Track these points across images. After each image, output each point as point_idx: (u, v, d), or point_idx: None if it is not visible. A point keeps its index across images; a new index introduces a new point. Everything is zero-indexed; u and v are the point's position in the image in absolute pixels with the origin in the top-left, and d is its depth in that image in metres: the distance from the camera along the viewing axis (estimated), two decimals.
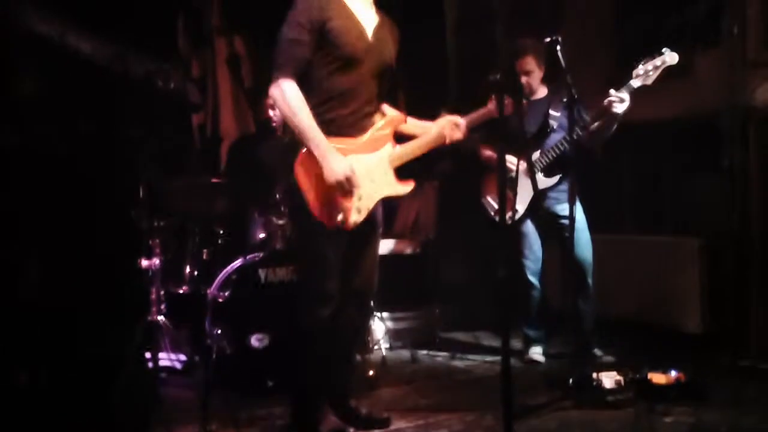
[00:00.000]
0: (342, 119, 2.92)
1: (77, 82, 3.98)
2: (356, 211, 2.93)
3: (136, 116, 4.07)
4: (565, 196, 4.15)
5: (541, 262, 4.35)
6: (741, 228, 4.34)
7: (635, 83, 3.81)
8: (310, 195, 2.86)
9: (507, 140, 3.84)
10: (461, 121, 3.14)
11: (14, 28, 3.69)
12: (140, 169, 3.75)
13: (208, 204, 4.24)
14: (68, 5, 4.00)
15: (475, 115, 3.22)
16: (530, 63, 4.24)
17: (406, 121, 3.14)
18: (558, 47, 3.66)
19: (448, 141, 3.12)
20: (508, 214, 4.16)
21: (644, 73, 3.77)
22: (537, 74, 4.28)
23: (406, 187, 3.08)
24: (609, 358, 4.20)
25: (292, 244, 3.98)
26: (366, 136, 2.98)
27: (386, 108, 3.14)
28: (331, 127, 2.88)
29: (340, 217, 2.88)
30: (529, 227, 4.32)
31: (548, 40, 3.74)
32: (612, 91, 3.83)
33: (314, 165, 2.84)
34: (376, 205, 3.02)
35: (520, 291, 4.35)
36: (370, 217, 3.02)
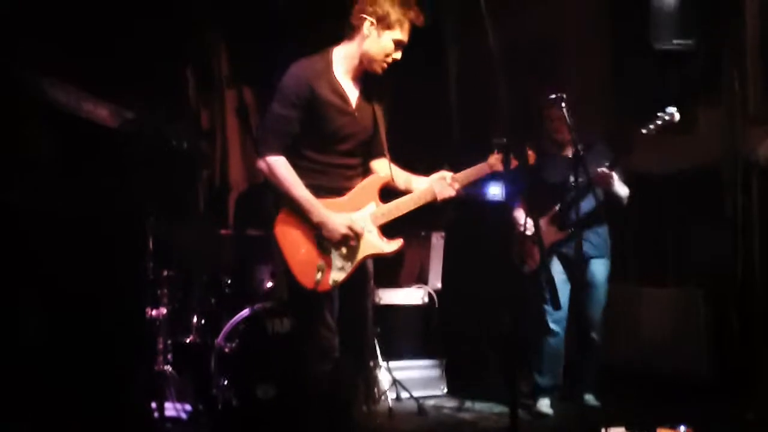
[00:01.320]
0: (326, 185, 3.00)
1: (92, 144, 4.07)
2: (337, 269, 2.97)
3: (148, 174, 4.15)
4: (594, 250, 4.26)
5: (566, 310, 4.30)
6: (745, 277, 4.36)
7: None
8: (289, 256, 2.93)
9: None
10: (450, 177, 3.12)
11: (32, 98, 3.80)
12: (148, 221, 3.80)
13: (216, 254, 4.28)
14: (84, 72, 4.12)
15: (470, 172, 3.17)
16: (557, 111, 4.29)
17: (392, 180, 3.14)
18: (563, 104, 3.73)
19: (439, 198, 3.10)
20: (531, 266, 4.24)
21: (648, 133, 3.84)
22: (564, 123, 4.32)
23: (392, 245, 3.06)
24: (595, 403, 4.25)
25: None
26: (349, 195, 3.06)
27: (376, 165, 3.17)
28: (314, 191, 2.95)
29: (319, 276, 2.92)
30: (556, 272, 4.30)
31: (553, 96, 3.82)
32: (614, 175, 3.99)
33: (292, 226, 2.93)
34: (360, 263, 3.02)
35: (531, 338, 4.36)
36: (359, 272, 3.04)
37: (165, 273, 4.01)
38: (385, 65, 3.02)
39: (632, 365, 4.71)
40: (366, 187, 3.09)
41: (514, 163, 3.18)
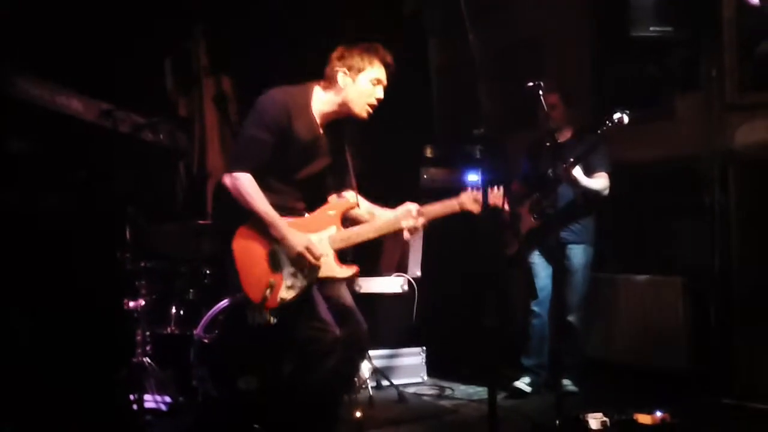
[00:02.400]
0: (286, 205, 3.05)
1: (67, 138, 4.05)
2: (286, 288, 2.99)
3: (125, 166, 4.13)
4: (573, 237, 4.35)
5: (548, 292, 4.41)
6: (722, 267, 4.40)
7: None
8: (241, 270, 2.97)
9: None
10: (416, 210, 3.18)
11: (5, 93, 3.76)
12: (127, 212, 3.78)
13: (195, 245, 4.26)
14: (58, 66, 4.08)
15: (438, 208, 3.23)
16: (554, 98, 4.33)
17: (357, 206, 3.20)
18: (540, 92, 3.75)
19: (405, 229, 3.15)
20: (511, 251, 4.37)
21: (600, 135, 3.97)
22: (560, 109, 4.37)
23: (347, 272, 3.10)
24: (573, 388, 4.32)
25: None
26: (312, 216, 3.11)
27: (347, 194, 3.23)
28: (278, 210, 2.99)
29: (267, 292, 2.95)
30: (536, 257, 4.43)
31: (530, 84, 3.84)
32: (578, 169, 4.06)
33: (250, 240, 2.97)
34: (312, 284, 3.02)
35: (514, 324, 4.43)
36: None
37: (143, 264, 3.99)
38: (370, 108, 3.08)
39: (611, 353, 4.75)
40: (329, 210, 3.14)
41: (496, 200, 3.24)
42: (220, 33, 5.36)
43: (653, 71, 4.79)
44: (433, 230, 5.28)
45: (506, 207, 4.37)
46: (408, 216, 3.17)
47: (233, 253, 2.98)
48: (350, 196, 3.23)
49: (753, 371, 4.20)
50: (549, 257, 4.40)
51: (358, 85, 3.03)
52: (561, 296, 4.33)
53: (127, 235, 3.78)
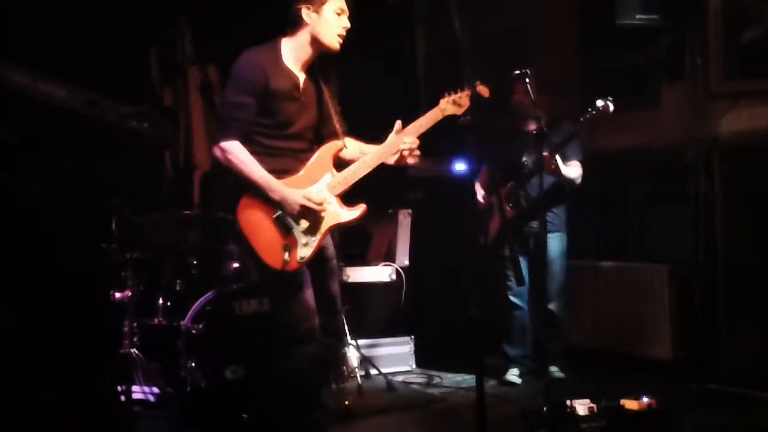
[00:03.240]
0: (278, 168, 3.04)
1: (52, 127, 4.01)
2: (302, 246, 3.01)
3: (110, 155, 4.09)
4: (554, 225, 4.35)
5: (526, 283, 4.41)
6: (707, 256, 4.43)
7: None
8: (254, 241, 2.97)
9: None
10: (398, 125, 3.11)
11: None
12: (113, 203, 3.75)
13: (182, 235, 4.23)
14: (42, 53, 4.04)
15: (421, 120, 3.09)
16: (521, 86, 4.32)
17: (344, 147, 3.17)
18: (527, 80, 3.75)
19: (401, 148, 3.05)
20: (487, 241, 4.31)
21: (583, 124, 3.97)
22: (529, 98, 4.36)
23: (354, 212, 3.09)
24: (560, 375, 4.37)
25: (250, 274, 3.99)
26: (303, 171, 3.10)
27: (349, 142, 3.21)
28: (278, 174, 3.01)
29: (286, 256, 2.95)
30: (514, 251, 4.38)
31: (518, 72, 3.84)
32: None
33: (254, 210, 2.98)
34: (325, 236, 3.06)
35: (496, 315, 4.43)
36: (319, 253, 3.08)
37: (129, 255, 3.96)
38: (340, 38, 3.07)
39: (597, 340, 4.78)
40: (319, 160, 3.13)
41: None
42: (206, 22, 5.31)
43: (639, 60, 4.80)
44: (421, 219, 5.33)
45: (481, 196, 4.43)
46: (397, 140, 3.08)
47: (242, 229, 2.98)
48: (335, 141, 3.19)
49: (737, 357, 4.24)
50: (525, 247, 4.40)
51: (324, 17, 3.02)
52: (540, 285, 4.33)
53: (113, 226, 3.75)
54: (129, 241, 3.88)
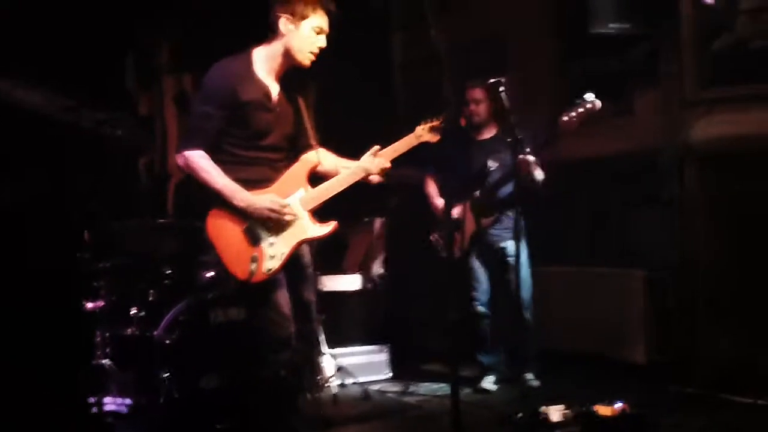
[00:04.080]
0: (252, 178, 3.03)
1: (26, 132, 3.97)
2: (270, 258, 2.99)
3: (85, 162, 4.06)
4: (507, 233, 4.31)
5: (489, 293, 4.45)
6: (683, 260, 4.46)
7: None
8: (221, 250, 2.97)
9: (452, 183, 3.99)
10: (375, 149, 3.16)
11: None
12: (85, 211, 3.72)
13: (155, 244, 4.20)
14: (16, 59, 4.01)
15: (397, 145, 3.19)
16: (479, 93, 4.36)
17: (319, 163, 3.17)
18: (501, 88, 3.76)
19: (373, 171, 3.12)
20: (456, 253, 4.29)
21: (569, 120, 3.89)
22: (484, 105, 4.38)
23: (325, 228, 3.08)
24: (535, 383, 4.35)
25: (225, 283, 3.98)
26: (276, 184, 3.08)
27: (305, 157, 3.19)
28: (241, 184, 2.99)
29: (252, 267, 2.94)
30: (476, 261, 4.43)
31: (492, 81, 3.85)
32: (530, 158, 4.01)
33: (223, 220, 2.96)
34: (293, 250, 3.04)
35: (470, 323, 4.43)
36: (295, 261, 3.08)
37: (102, 264, 3.93)
38: (312, 56, 3.06)
39: (574, 345, 4.80)
40: (293, 174, 3.12)
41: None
42: (182, 31, 5.31)
43: (613, 67, 4.84)
44: (396, 227, 5.34)
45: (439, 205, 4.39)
46: (371, 160, 3.14)
47: (210, 238, 2.98)
48: (311, 155, 3.18)
49: (713, 361, 4.27)
50: (486, 256, 4.40)
51: (301, 32, 3.01)
52: (510, 293, 4.28)
53: (86, 234, 3.72)
54: (102, 249, 3.85)
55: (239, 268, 2.95)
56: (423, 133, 3.20)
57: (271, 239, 3.00)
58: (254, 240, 2.99)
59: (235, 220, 2.98)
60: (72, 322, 3.80)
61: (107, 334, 3.86)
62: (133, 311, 4.05)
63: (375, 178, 3.17)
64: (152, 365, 3.77)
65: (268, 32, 3.07)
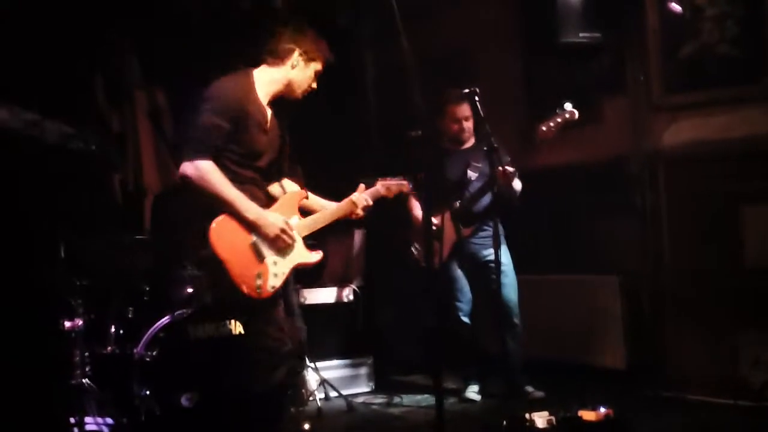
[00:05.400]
0: (256, 197, 3.06)
1: None
2: (273, 276, 3.02)
3: (55, 179, 4.00)
4: (489, 241, 4.29)
5: (471, 303, 4.46)
6: (655, 266, 4.53)
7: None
8: (230, 265, 2.92)
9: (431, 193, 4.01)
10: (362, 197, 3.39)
11: None
12: (59, 229, 3.66)
13: (132, 261, 4.14)
14: None
15: (377, 190, 3.47)
16: (467, 109, 4.39)
17: (307, 197, 3.32)
18: (476, 98, 3.80)
19: (360, 207, 3.36)
20: (436, 262, 4.29)
21: (547, 130, 3.95)
22: (471, 121, 4.42)
23: (316, 256, 3.22)
24: (539, 394, 4.32)
25: (221, 298, 3.94)
26: (275, 206, 3.14)
27: (287, 183, 3.29)
28: None
29: (259, 282, 2.95)
30: (458, 271, 4.42)
31: (467, 90, 3.89)
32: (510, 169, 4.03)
33: (228, 234, 2.93)
34: (292, 270, 3.12)
35: (452, 333, 4.43)
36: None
37: (78, 282, 3.86)
38: (305, 93, 3.19)
39: (551, 352, 4.83)
40: (288, 201, 3.20)
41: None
42: (152, 45, 5.26)
43: (581, 76, 4.92)
44: (375, 237, 5.33)
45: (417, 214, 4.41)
46: (358, 197, 3.37)
47: (217, 253, 2.90)
48: (294, 186, 3.30)
49: (687, 364, 4.34)
50: (465, 266, 4.41)
51: (308, 71, 3.14)
52: (495, 301, 4.28)
53: (61, 252, 3.66)
54: (78, 267, 3.79)
55: (246, 283, 2.93)
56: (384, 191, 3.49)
57: (275, 258, 3.03)
58: (260, 256, 2.99)
59: (241, 234, 2.97)
60: (50, 341, 3.73)
61: (86, 353, 3.79)
62: (112, 329, 4.01)
63: (359, 213, 3.38)
64: (132, 383, 3.72)
65: (272, 52, 3.13)
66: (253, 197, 3.04)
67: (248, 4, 5.09)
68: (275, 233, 2.99)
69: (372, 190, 3.47)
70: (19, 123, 4.05)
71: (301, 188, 3.31)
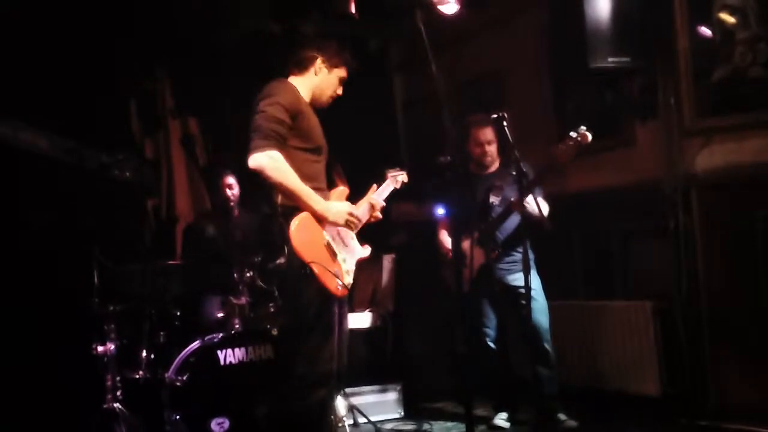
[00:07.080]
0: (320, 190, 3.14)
1: (32, 177, 4.00)
2: (346, 273, 3.08)
3: (91, 205, 4.08)
4: (516, 266, 4.25)
5: (497, 329, 4.39)
6: (689, 290, 4.45)
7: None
8: (314, 264, 2.91)
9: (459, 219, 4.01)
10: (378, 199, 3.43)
11: None
12: (94, 255, 3.73)
13: (164, 286, 4.20)
14: (22, 103, 4.06)
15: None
16: (490, 133, 4.38)
17: (348, 195, 3.39)
18: (504, 123, 3.80)
19: (377, 208, 3.37)
20: (465, 288, 4.25)
21: (560, 153, 3.93)
22: (495, 145, 4.42)
23: (367, 250, 3.31)
24: (572, 423, 4.22)
25: (251, 324, 3.97)
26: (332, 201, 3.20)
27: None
28: None
29: (338, 280, 2.97)
30: (484, 296, 4.38)
31: (495, 116, 3.89)
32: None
33: (307, 234, 2.96)
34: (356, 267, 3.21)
35: (482, 360, 4.39)
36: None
37: (111, 307, 3.91)
38: (331, 100, 3.28)
39: (585, 379, 4.75)
40: (339, 196, 3.29)
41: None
42: (186, 74, 5.37)
43: (612, 101, 4.89)
44: (405, 263, 5.33)
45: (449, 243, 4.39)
46: (372, 198, 3.41)
47: (301, 256, 2.90)
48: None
49: (725, 391, 4.24)
50: (497, 292, 4.31)
51: (331, 77, 3.24)
52: (525, 326, 4.20)
53: (95, 278, 3.72)
54: (111, 292, 3.85)
55: (331, 284, 2.96)
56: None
57: (343, 255, 3.10)
58: (333, 255, 3.05)
59: (317, 235, 3.02)
60: (82, 366, 3.78)
61: (117, 378, 3.83)
62: (143, 354, 4.05)
63: (378, 216, 3.39)
64: (163, 408, 3.75)
65: (298, 62, 3.25)
66: (318, 190, 3.09)
67: (278, 30, 5.19)
68: (345, 218, 3.06)
69: (384, 186, 3.49)
70: (58, 151, 4.16)
71: (345, 186, 3.38)
